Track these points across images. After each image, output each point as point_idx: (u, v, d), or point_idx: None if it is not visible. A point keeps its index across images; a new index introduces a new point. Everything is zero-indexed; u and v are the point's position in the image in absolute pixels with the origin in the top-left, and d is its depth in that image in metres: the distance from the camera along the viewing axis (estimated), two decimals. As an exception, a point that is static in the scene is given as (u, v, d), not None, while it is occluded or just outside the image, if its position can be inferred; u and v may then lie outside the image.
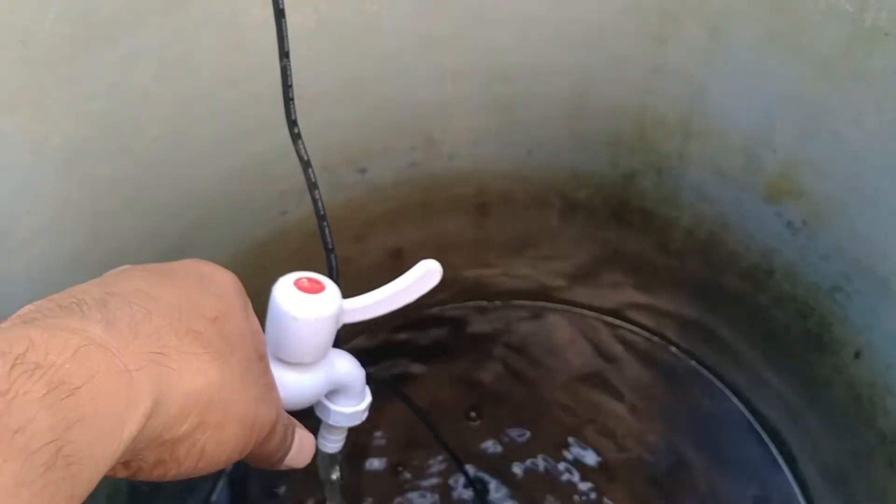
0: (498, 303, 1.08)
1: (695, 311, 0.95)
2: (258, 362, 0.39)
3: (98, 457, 0.27)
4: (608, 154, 0.83)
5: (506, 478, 0.92)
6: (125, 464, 0.32)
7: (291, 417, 0.43)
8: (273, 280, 0.87)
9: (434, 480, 0.92)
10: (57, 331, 0.28)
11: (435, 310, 1.07)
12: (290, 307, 0.42)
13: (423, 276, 0.47)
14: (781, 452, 0.93)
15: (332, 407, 0.51)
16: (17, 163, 0.57)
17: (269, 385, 0.40)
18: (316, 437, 0.54)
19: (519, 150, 0.86)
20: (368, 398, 0.52)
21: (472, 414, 0.98)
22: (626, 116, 0.78)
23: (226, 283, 0.39)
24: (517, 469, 0.93)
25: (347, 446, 0.55)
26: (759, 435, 0.95)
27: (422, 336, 1.06)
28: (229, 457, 0.35)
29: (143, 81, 0.62)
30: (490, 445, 0.95)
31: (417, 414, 0.86)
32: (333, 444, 0.54)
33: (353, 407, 0.51)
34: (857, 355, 0.76)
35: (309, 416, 0.50)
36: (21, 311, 0.30)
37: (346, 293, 0.60)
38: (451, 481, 0.92)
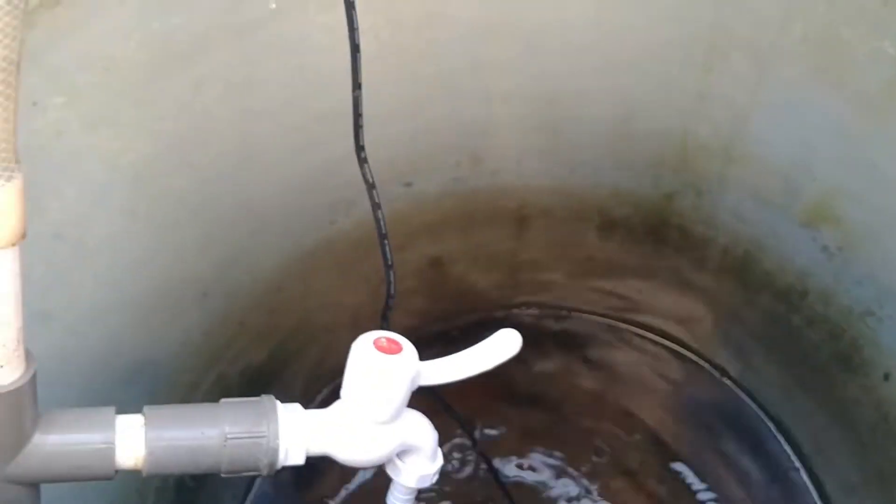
0: (534, 311, 1.09)
1: (728, 329, 0.97)
2: None
3: None
4: (650, 174, 0.85)
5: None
6: None
7: None
8: (319, 286, 0.89)
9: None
10: None
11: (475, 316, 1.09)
12: (366, 366, 0.45)
13: (502, 344, 0.48)
14: (806, 468, 0.94)
15: (403, 467, 0.51)
16: (93, 177, 0.60)
17: None
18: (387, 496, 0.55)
19: (562, 168, 0.87)
20: (439, 461, 0.52)
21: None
22: (669, 139, 0.80)
23: None
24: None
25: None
26: (785, 450, 0.96)
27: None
28: None
29: (208, 102, 0.65)
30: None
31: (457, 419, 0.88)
32: (402, 503, 0.54)
33: (423, 469, 0.51)
34: (886, 377, 0.77)
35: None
36: None
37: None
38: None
